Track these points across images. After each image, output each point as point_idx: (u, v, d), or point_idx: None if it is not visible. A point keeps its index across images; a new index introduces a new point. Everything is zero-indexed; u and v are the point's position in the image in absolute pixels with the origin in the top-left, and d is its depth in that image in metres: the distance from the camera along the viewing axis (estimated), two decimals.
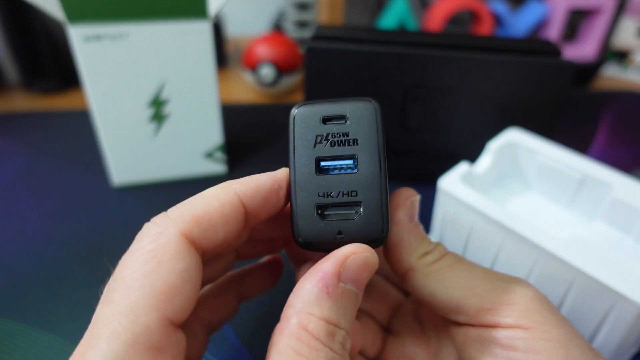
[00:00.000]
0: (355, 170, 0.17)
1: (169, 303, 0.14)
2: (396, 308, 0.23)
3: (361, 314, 0.22)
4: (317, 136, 0.17)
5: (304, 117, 0.17)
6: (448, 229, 0.30)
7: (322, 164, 0.17)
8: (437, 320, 0.21)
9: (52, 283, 0.29)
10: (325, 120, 0.17)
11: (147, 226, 0.15)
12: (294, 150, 0.17)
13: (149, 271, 0.14)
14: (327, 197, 0.17)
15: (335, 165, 0.17)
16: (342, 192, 0.16)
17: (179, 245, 0.14)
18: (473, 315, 0.18)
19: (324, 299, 0.15)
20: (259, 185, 0.16)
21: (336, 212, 0.17)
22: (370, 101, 0.17)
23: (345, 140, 0.17)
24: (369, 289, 0.23)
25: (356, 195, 0.16)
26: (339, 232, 0.16)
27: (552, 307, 0.17)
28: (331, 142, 0.17)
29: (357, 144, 0.17)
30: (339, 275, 0.15)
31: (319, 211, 0.17)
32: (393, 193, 0.19)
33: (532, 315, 0.17)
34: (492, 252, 0.27)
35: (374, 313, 0.23)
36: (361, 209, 0.16)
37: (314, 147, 0.17)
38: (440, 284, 0.18)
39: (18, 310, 0.27)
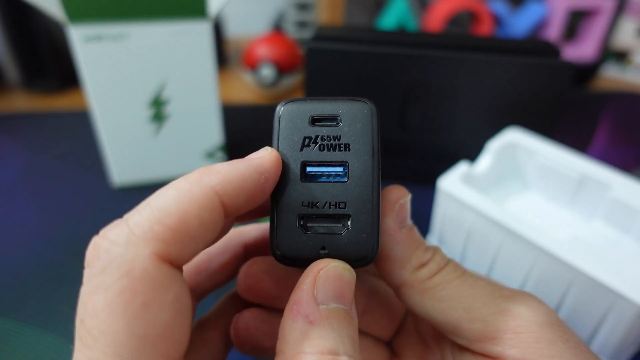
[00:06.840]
0: (345, 179, 0.15)
1: (168, 345, 0.12)
2: (402, 321, 0.21)
3: (362, 336, 0.20)
4: (304, 138, 0.15)
5: (290, 115, 0.15)
6: (448, 229, 0.30)
7: (309, 169, 0.15)
8: (439, 338, 0.19)
9: (52, 283, 0.29)
10: (315, 120, 0.15)
11: (103, 246, 0.12)
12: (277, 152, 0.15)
13: (134, 315, 0.11)
14: (312, 207, 0.15)
15: (323, 171, 0.15)
16: (330, 203, 0.15)
17: (159, 273, 0.12)
18: (474, 341, 0.16)
19: (309, 330, 0.13)
20: (243, 180, 0.13)
21: (321, 224, 0.15)
22: (365, 102, 0.15)
23: (335, 145, 0.15)
24: (370, 301, 0.20)
25: (345, 207, 0.15)
26: (323, 248, 0.15)
27: (565, 334, 0.15)
28: (320, 145, 0.15)
29: (349, 150, 0.15)
30: (315, 298, 0.13)
31: (302, 222, 0.15)
32: None
33: (541, 347, 0.15)
34: (491, 252, 0.27)
35: (376, 332, 0.20)
36: (349, 223, 0.15)
37: (301, 150, 0.15)
38: (438, 304, 0.16)
39: (18, 310, 0.27)
